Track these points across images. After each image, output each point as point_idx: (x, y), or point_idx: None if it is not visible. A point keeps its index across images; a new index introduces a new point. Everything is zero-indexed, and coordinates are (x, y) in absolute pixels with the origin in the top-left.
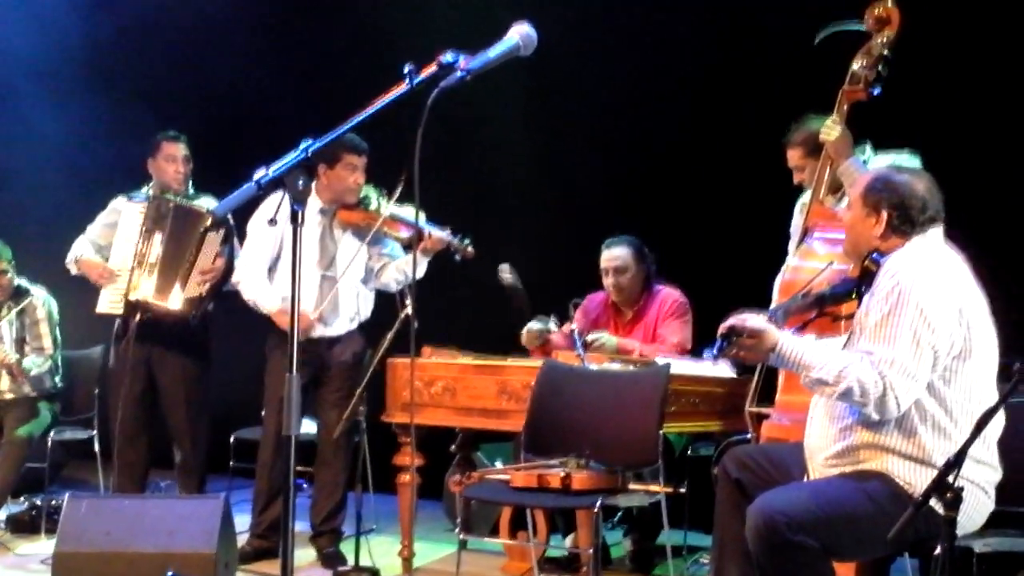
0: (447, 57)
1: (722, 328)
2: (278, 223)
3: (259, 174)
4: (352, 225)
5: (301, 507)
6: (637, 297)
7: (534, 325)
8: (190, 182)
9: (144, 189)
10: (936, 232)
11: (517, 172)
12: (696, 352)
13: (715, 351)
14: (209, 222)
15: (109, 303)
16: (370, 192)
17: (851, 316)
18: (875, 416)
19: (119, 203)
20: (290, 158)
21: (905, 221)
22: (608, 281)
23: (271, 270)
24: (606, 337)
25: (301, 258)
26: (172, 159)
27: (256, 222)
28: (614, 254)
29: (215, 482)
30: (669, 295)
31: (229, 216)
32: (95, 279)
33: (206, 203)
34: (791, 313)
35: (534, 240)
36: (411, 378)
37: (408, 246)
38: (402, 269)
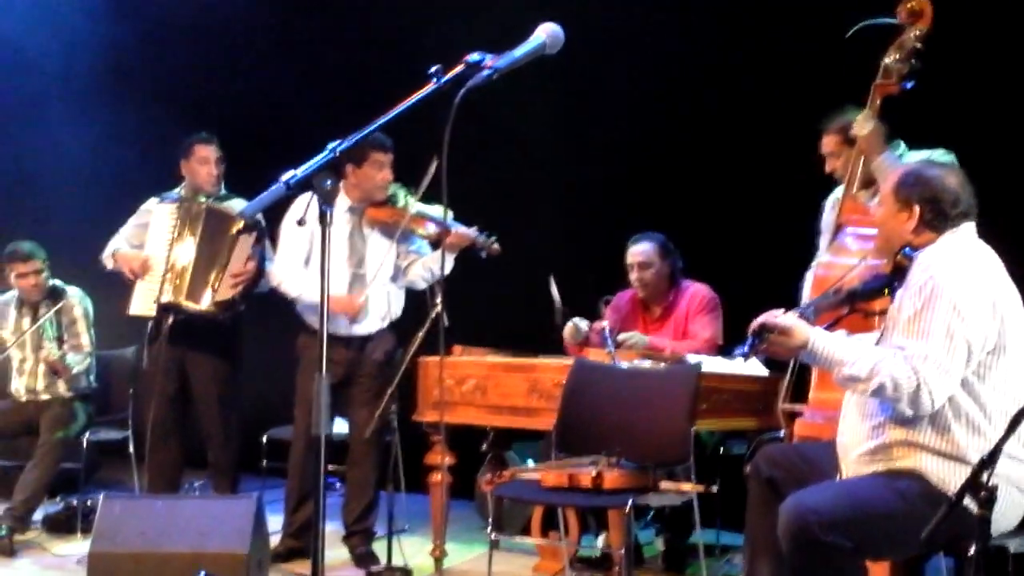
0: (474, 56)
1: (753, 326)
2: (307, 223)
3: (287, 175)
4: (380, 222)
5: (333, 507)
6: (664, 293)
7: (580, 323)
8: (222, 184)
9: (177, 190)
10: (969, 227)
11: (544, 169)
12: (727, 351)
13: (746, 348)
14: (242, 224)
15: (142, 304)
16: (397, 189)
17: (884, 312)
18: (908, 412)
19: (151, 204)
20: (318, 159)
21: (937, 215)
22: (633, 276)
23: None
24: (637, 336)
25: (331, 257)
26: (205, 161)
27: (288, 223)
28: (638, 249)
29: (248, 482)
30: (698, 291)
31: (261, 218)
32: (131, 272)
33: (237, 205)
34: (822, 310)
35: (562, 237)
36: (440, 376)
37: (436, 243)
38: (428, 266)
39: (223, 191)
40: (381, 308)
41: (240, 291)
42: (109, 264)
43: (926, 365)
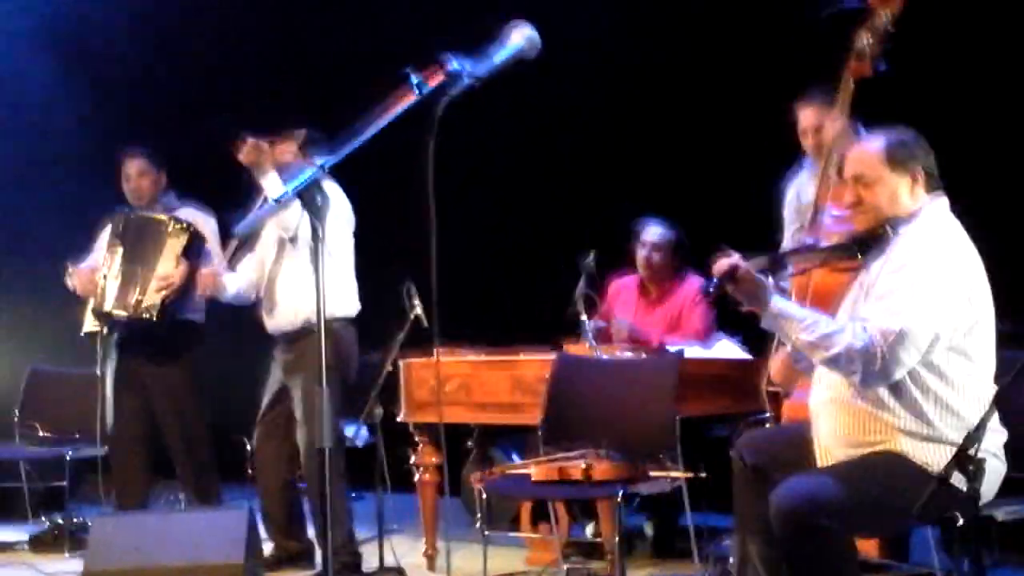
0: (453, 65)
1: (723, 267)
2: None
3: (277, 192)
4: None
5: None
6: (666, 277)
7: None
8: (158, 194)
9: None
10: (944, 201)
11: (523, 166)
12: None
13: (714, 287)
14: (170, 228)
15: (89, 320)
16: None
17: (853, 270)
18: (860, 383)
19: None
20: (306, 175)
21: (931, 178)
22: (642, 254)
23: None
24: (620, 322)
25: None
26: (126, 177)
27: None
28: (654, 230)
29: (233, 490)
30: (696, 283)
31: (198, 223)
32: (75, 289)
33: (189, 213)
34: (796, 260)
35: (540, 234)
36: (437, 375)
37: None
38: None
39: (172, 201)
40: (293, 303)
41: (169, 294)
42: (69, 284)
43: (890, 343)
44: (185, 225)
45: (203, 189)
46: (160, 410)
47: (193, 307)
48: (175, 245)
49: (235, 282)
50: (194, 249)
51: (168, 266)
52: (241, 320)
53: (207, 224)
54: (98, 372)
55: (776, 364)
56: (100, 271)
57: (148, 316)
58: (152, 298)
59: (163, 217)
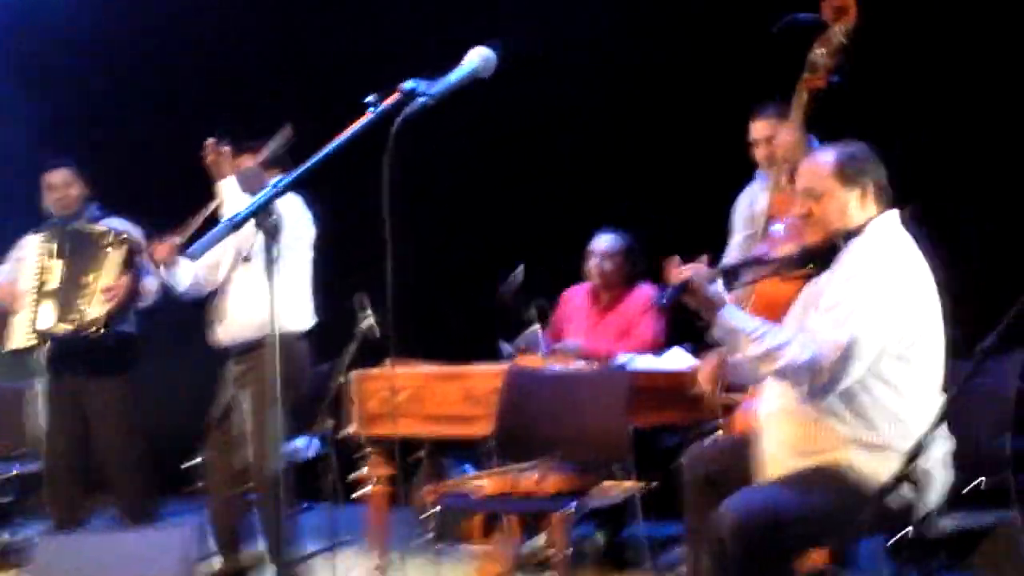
0: (408, 84)
1: (680, 276)
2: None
3: (231, 212)
4: None
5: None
6: (617, 285)
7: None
8: (83, 207)
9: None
10: (894, 214)
11: (476, 178)
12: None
13: (668, 298)
14: (110, 240)
15: (19, 337)
16: None
17: (802, 278)
18: (807, 394)
19: (26, 238)
20: (262, 195)
21: (882, 192)
22: (592, 263)
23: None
24: (569, 344)
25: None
26: (51, 187)
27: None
28: (606, 238)
29: (181, 504)
30: (647, 292)
31: (136, 233)
32: (7, 303)
33: (119, 225)
34: (749, 270)
35: (490, 246)
36: (392, 388)
37: None
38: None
39: (95, 212)
40: (244, 315)
41: (114, 306)
42: None
43: (836, 355)
44: (125, 237)
45: (126, 203)
46: (96, 425)
47: (128, 321)
48: (116, 257)
49: (190, 269)
50: (134, 261)
51: (110, 278)
52: (190, 332)
53: (137, 236)
54: (35, 386)
55: (704, 368)
56: (31, 286)
57: (94, 330)
58: (96, 311)
59: (102, 229)
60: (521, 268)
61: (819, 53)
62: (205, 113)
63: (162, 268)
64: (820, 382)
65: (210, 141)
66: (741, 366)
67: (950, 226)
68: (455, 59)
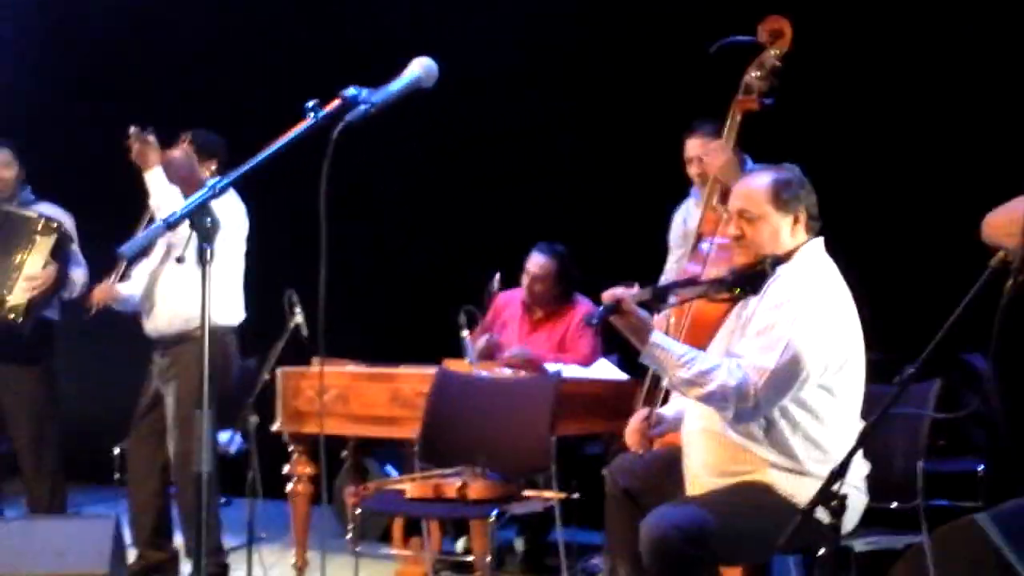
0: (350, 91)
1: (610, 297)
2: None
3: (159, 204)
4: None
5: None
6: (549, 303)
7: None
8: (17, 189)
9: None
10: (819, 241)
11: (411, 176)
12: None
13: (596, 319)
14: (40, 227)
15: None
16: None
17: (730, 300)
18: (733, 419)
19: None
20: (197, 196)
21: (812, 219)
22: (526, 281)
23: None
24: (518, 350)
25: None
26: None
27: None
28: (536, 260)
29: (101, 494)
30: (585, 307)
31: (65, 221)
32: None
33: (50, 211)
34: (677, 292)
35: (422, 248)
36: (320, 386)
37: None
38: None
39: (27, 195)
40: (171, 307)
41: (37, 295)
42: None
43: (763, 380)
44: (55, 224)
45: (60, 188)
46: (10, 410)
47: (52, 307)
48: (44, 245)
49: (130, 289)
50: (63, 250)
51: (36, 266)
52: (116, 322)
53: (69, 224)
54: None
55: (632, 425)
56: None
57: (13, 317)
58: (18, 298)
59: (32, 215)
60: (497, 276)
61: (753, 76)
62: (144, 104)
63: (113, 305)
64: (746, 407)
65: (133, 129)
66: (667, 421)
67: (865, 251)
68: (399, 68)
